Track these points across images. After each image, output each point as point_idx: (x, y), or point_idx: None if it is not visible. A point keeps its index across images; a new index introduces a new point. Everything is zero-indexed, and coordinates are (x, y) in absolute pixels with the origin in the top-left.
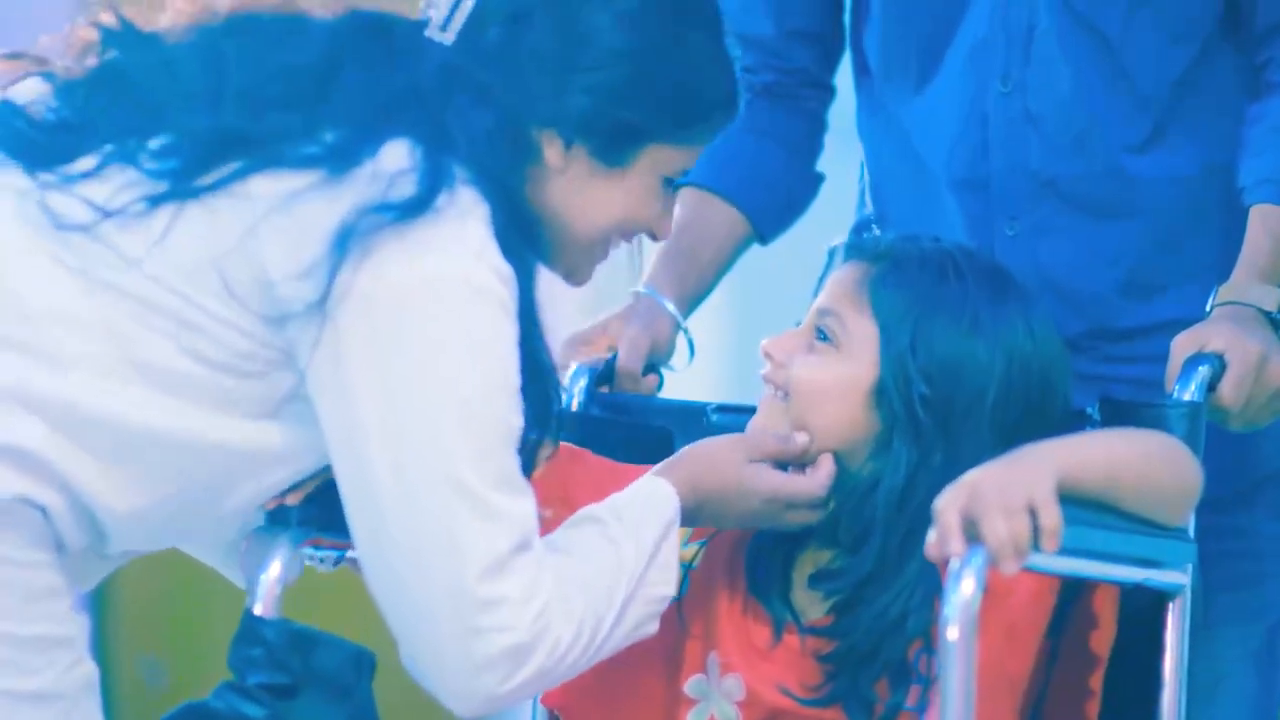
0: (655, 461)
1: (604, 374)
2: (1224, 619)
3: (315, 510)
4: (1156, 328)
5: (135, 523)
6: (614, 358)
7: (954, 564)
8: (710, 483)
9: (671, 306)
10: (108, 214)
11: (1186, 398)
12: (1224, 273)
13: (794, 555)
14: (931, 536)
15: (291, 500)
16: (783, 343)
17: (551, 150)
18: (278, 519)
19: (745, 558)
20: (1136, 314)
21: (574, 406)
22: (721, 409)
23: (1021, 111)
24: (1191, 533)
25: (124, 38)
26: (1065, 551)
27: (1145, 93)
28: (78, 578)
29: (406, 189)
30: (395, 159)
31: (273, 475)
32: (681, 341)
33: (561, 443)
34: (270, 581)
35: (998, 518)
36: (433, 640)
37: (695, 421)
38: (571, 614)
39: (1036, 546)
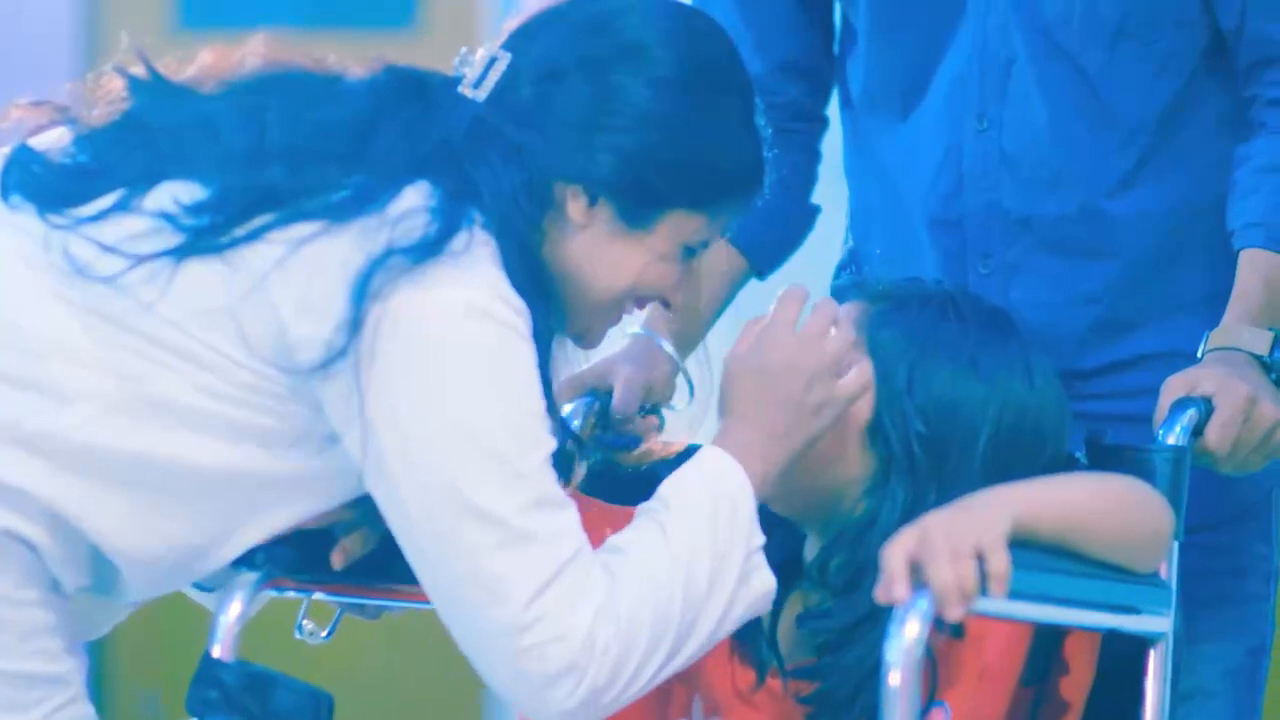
0: (641, 502)
1: (600, 416)
2: (1204, 636)
3: (282, 551)
4: (1126, 364)
5: (140, 561)
6: (610, 400)
7: (898, 609)
8: (752, 395)
9: (669, 347)
10: (140, 259)
11: (1171, 441)
12: (1197, 310)
13: (783, 598)
14: (881, 582)
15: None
16: None
17: (575, 206)
18: (242, 559)
19: None
20: (1107, 352)
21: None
22: None
23: (997, 150)
24: (1169, 574)
25: (152, 88)
26: (1022, 597)
27: (1127, 129)
28: (82, 620)
29: (419, 228)
30: (411, 199)
31: (280, 511)
32: (682, 381)
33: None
34: (229, 622)
35: (943, 562)
36: (494, 665)
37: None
38: (621, 618)
39: (985, 592)
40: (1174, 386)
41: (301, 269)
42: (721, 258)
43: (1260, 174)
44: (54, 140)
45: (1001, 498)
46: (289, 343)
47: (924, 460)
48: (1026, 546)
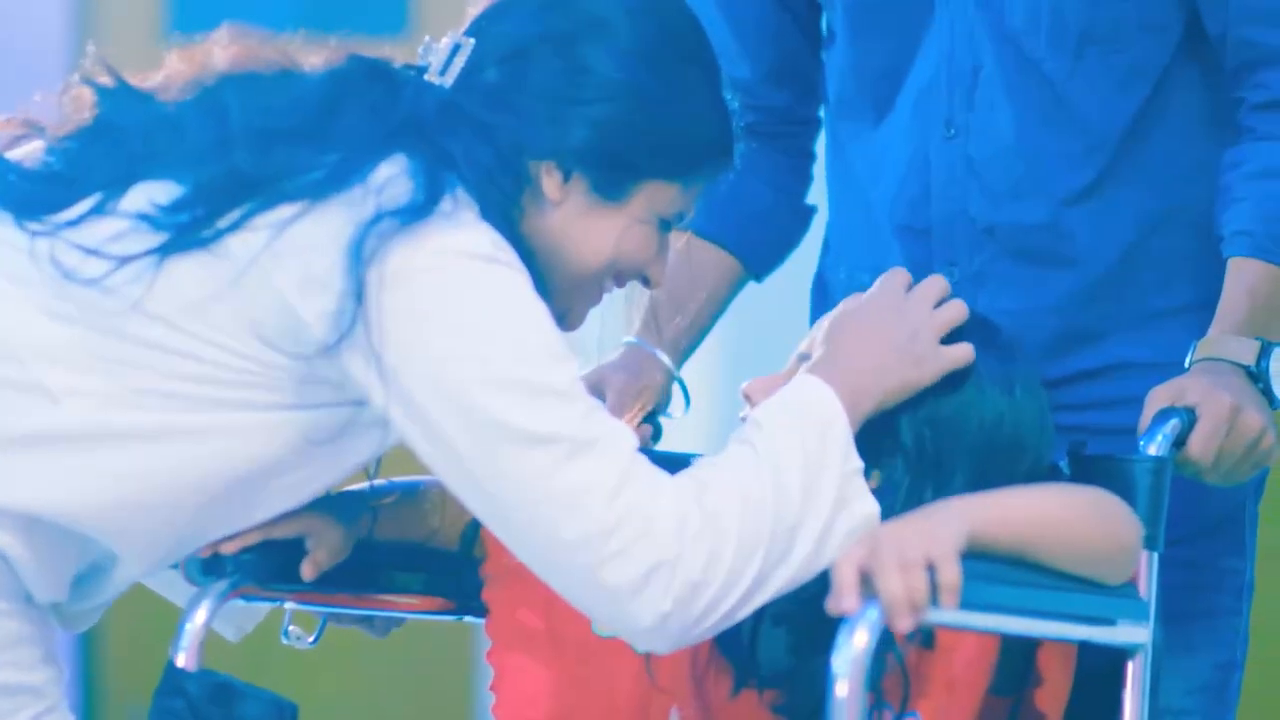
0: None
1: None
2: (1172, 649)
3: (250, 559)
4: (1093, 374)
5: (141, 544)
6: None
7: (847, 619)
8: (850, 332)
9: (663, 355)
10: (125, 259)
11: (1152, 452)
12: (1164, 320)
13: (764, 608)
14: (832, 592)
15: (226, 549)
16: (762, 385)
17: (550, 182)
18: (211, 568)
19: None
20: (1074, 361)
21: None
22: None
23: (963, 158)
24: (1149, 586)
25: (119, 95)
26: (976, 608)
27: (1094, 136)
28: (64, 622)
29: (404, 193)
30: (389, 170)
31: (275, 486)
32: (677, 390)
33: None
34: (194, 631)
35: (892, 573)
36: (581, 581)
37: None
38: (708, 507)
39: (936, 603)
40: (1159, 397)
41: (295, 248)
42: (714, 264)
43: (1248, 180)
44: (30, 152)
45: (956, 509)
46: (302, 323)
47: (929, 459)
48: (984, 558)
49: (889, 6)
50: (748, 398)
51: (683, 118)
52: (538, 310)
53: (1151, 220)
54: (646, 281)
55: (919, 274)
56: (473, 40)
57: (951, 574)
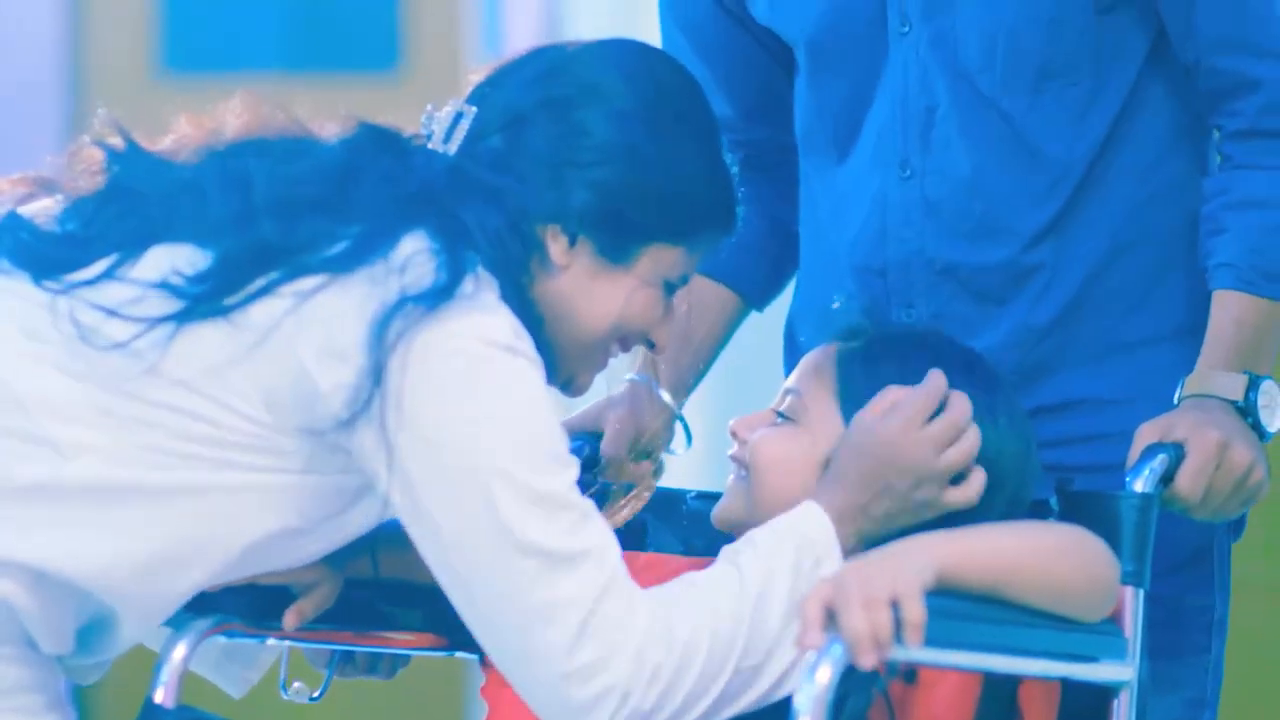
0: (626, 549)
1: (589, 461)
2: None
3: (231, 597)
4: (1049, 410)
5: (137, 600)
6: (599, 444)
7: (809, 655)
8: (860, 470)
9: (663, 392)
10: (152, 323)
11: (1139, 488)
12: (1120, 354)
13: None
14: (798, 629)
15: (210, 587)
16: (748, 421)
17: (556, 246)
18: (194, 605)
19: None
20: (1029, 397)
21: None
22: (701, 495)
23: (920, 199)
24: (1134, 622)
25: (130, 157)
26: (942, 645)
27: (1055, 171)
28: (70, 674)
29: (428, 274)
30: (411, 246)
31: (277, 551)
32: (680, 426)
33: None
34: (174, 666)
35: (856, 609)
36: (539, 688)
37: (674, 508)
38: (676, 641)
39: (901, 640)
40: (1147, 433)
41: (318, 318)
42: (712, 298)
43: (1229, 211)
44: (41, 209)
45: (924, 546)
46: (318, 393)
47: None
48: (954, 595)
49: (845, 46)
50: (735, 434)
51: (683, 179)
52: (547, 411)
53: (1112, 251)
54: (651, 345)
55: (877, 314)
56: (475, 108)
57: (915, 611)
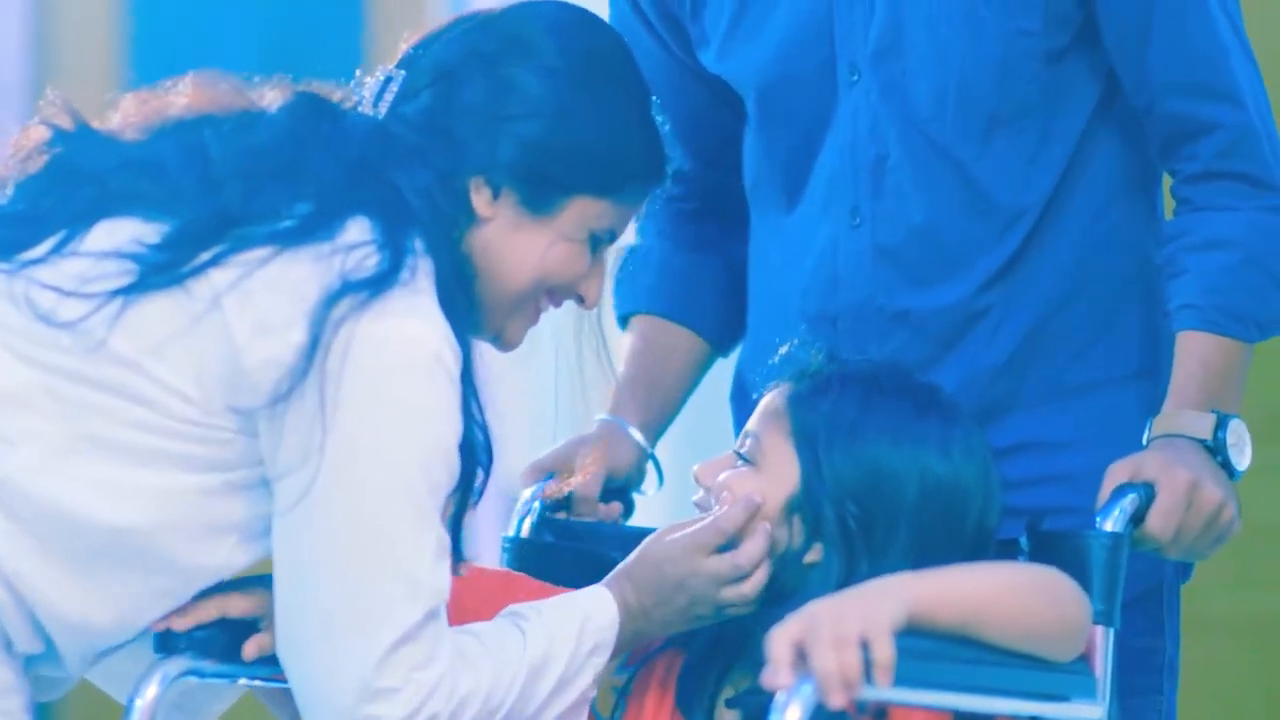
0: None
1: (560, 500)
2: None
3: (202, 636)
4: (1001, 453)
5: (75, 629)
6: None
7: (780, 695)
8: (651, 578)
9: (635, 432)
10: (105, 298)
11: (1109, 528)
12: (1072, 396)
13: (722, 680)
14: (767, 668)
15: (179, 625)
16: (710, 466)
17: (480, 198)
18: (164, 644)
19: (676, 681)
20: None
21: (525, 533)
22: None
23: (870, 246)
24: (1104, 661)
25: (77, 136)
26: (911, 685)
27: (1007, 215)
28: (35, 687)
29: (370, 262)
30: (355, 233)
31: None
32: (651, 466)
33: (501, 568)
34: (145, 706)
35: (826, 649)
36: (328, 697)
37: None
38: (455, 695)
39: (871, 680)
40: (1117, 472)
41: (257, 290)
42: (680, 343)
43: (1190, 252)
44: None
45: (894, 586)
46: (242, 370)
47: (856, 535)
48: (926, 636)
49: (794, 95)
50: (698, 479)
51: (609, 133)
52: (453, 425)
53: (1064, 294)
54: (581, 300)
55: (833, 352)
56: (403, 71)
57: (884, 651)
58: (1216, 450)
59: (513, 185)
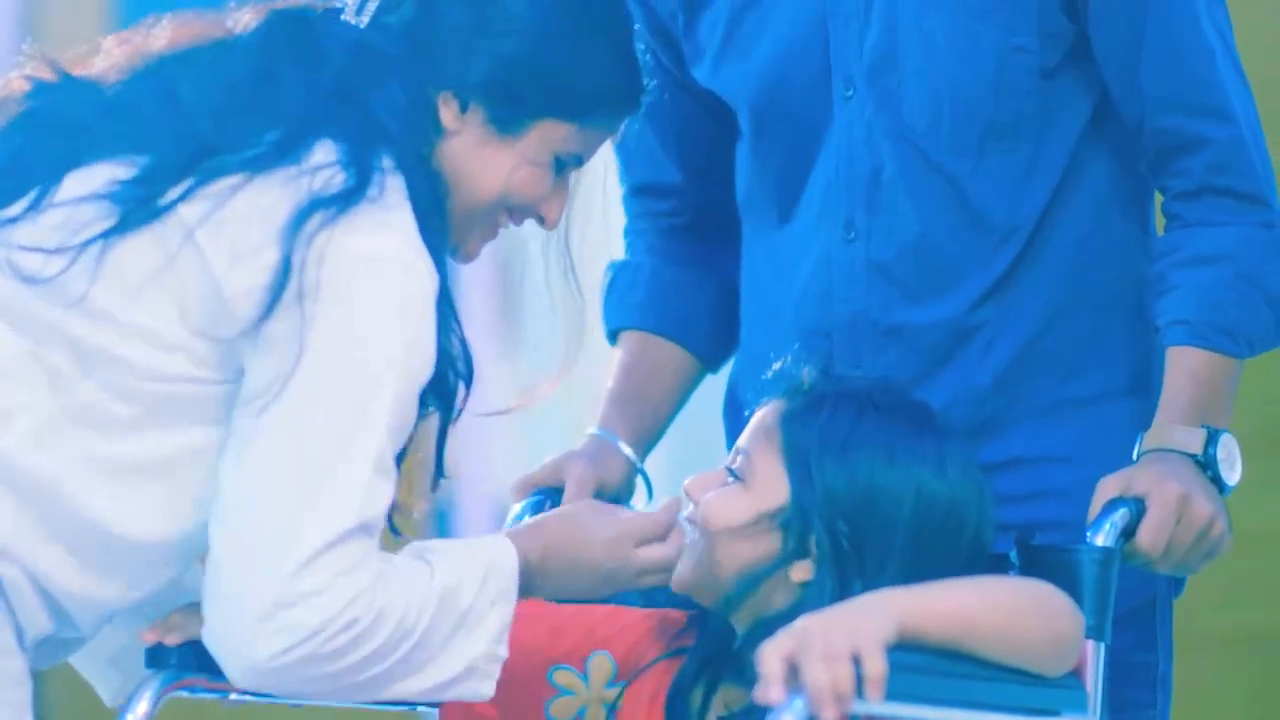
0: (581, 602)
1: None
2: None
3: (194, 650)
4: (994, 468)
5: (87, 603)
6: (560, 498)
7: (772, 710)
8: (569, 552)
9: (625, 446)
10: (82, 246)
11: (1100, 542)
12: (1065, 411)
13: (710, 696)
14: (759, 684)
15: (170, 640)
16: (700, 482)
17: (448, 111)
18: (155, 659)
19: (665, 697)
20: (979, 454)
21: None
22: None
23: (864, 260)
24: (1095, 676)
25: (55, 86)
26: (903, 699)
27: (1001, 231)
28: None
29: (338, 180)
30: (322, 155)
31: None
32: (640, 481)
33: None
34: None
35: (818, 664)
36: (250, 589)
37: None
38: (375, 604)
39: (862, 694)
40: (1106, 487)
41: (230, 220)
42: (669, 358)
43: (1179, 268)
44: None
45: (885, 600)
46: (223, 300)
47: (849, 554)
48: (917, 650)
49: (788, 109)
50: (688, 494)
51: (586, 59)
52: (427, 338)
53: (1056, 310)
54: (542, 221)
55: (827, 369)
56: None
57: (876, 665)
58: (1207, 465)
59: (481, 101)
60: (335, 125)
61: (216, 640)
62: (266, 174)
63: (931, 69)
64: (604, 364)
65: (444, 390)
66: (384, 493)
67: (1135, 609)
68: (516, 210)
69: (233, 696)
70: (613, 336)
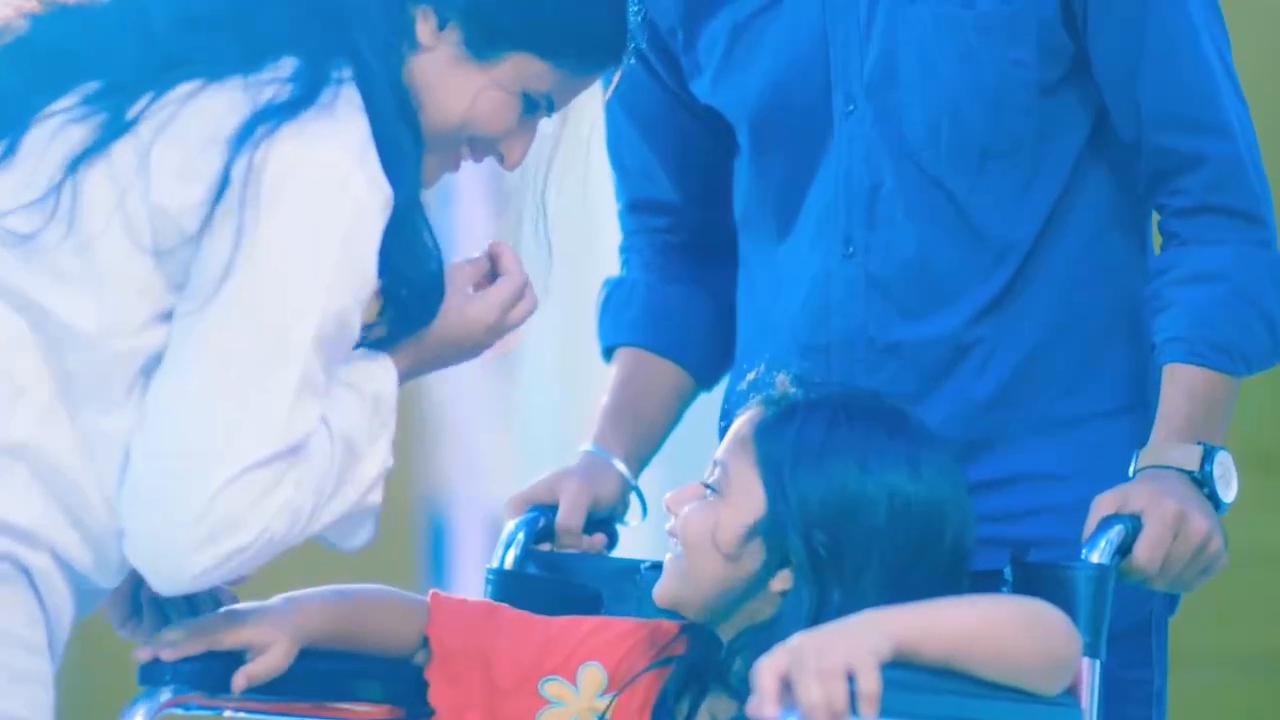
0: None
1: (544, 532)
2: None
3: (190, 668)
4: (991, 485)
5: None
6: (554, 515)
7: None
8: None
9: (619, 463)
10: (60, 183)
11: (1096, 559)
12: (1062, 429)
13: (697, 706)
14: (753, 699)
15: (167, 656)
16: (679, 495)
17: (425, 26)
18: (148, 676)
19: (652, 708)
20: (973, 471)
21: (509, 564)
22: (655, 566)
23: (863, 276)
24: (1089, 694)
25: (46, 16)
26: (897, 716)
27: (999, 248)
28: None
29: (284, 93)
30: (276, 69)
31: None
32: (635, 497)
33: (483, 600)
34: None
35: (812, 681)
36: (170, 518)
37: (629, 579)
38: (294, 514)
39: (856, 711)
40: (1103, 504)
41: (178, 134)
42: (664, 376)
43: (1176, 286)
44: None
45: (879, 618)
46: (169, 215)
47: (826, 563)
48: (911, 668)
49: (788, 124)
50: (668, 507)
51: (572, 3)
52: (367, 259)
53: (1053, 328)
54: (502, 160)
55: (803, 379)
56: None
57: (870, 682)
58: (1203, 482)
59: (459, 21)
60: (302, 35)
61: (142, 559)
62: (222, 82)
63: (931, 85)
64: (599, 381)
65: (397, 307)
66: (310, 413)
67: (1131, 627)
68: (478, 144)
69: (227, 714)
70: (607, 353)
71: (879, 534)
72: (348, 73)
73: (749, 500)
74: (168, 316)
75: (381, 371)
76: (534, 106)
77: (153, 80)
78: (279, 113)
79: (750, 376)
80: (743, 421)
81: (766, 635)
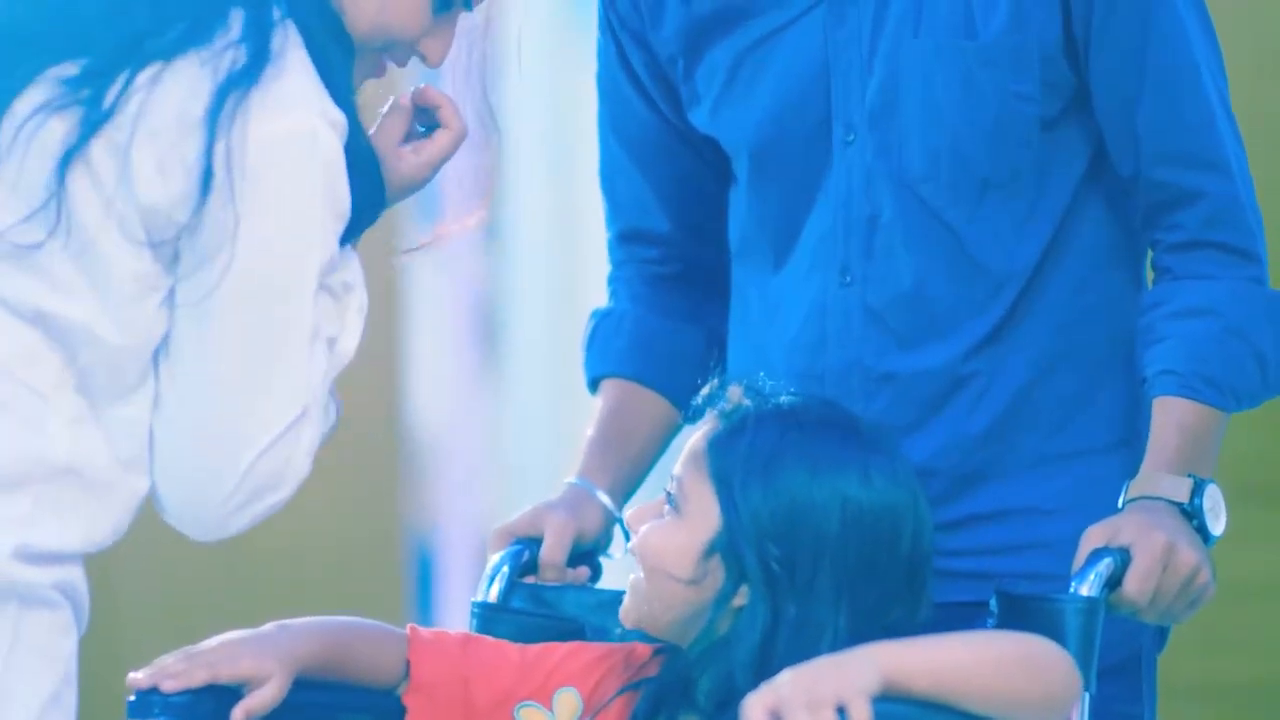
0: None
1: (528, 565)
2: None
3: (181, 702)
4: (981, 518)
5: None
6: (538, 548)
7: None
8: None
9: (603, 495)
10: (53, 180)
11: (1085, 592)
12: (1053, 464)
13: None
14: None
15: (167, 686)
16: (639, 513)
17: None
18: (139, 709)
19: None
20: (964, 504)
21: (493, 597)
22: None
23: (860, 306)
24: None
25: None
26: None
27: (996, 280)
28: None
29: (241, 59)
30: (227, 33)
31: None
32: (619, 530)
33: (460, 631)
34: None
35: (801, 712)
36: (206, 489)
37: (612, 611)
38: (314, 445)
39: None
40: (1092, 537)
41: (152, 122)
42: (650, 408)
43: (1169, 320)
44: None
45: (871, 653)
46: (157, 211)
47: (776, 576)
48: (902, 701)
49: (787, 154)
50: (629, 525)
51: None
52: (334, 213)
53: (1049, 362)
54: (425, 59)
55: (754, 390)
56: None
57: (861, 714)
58: (1193, 515)
59: None
60: None
61: (180, 523)
62: (178, 59)
63: (931, 116)
64: (587, 413)
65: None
66: (319, 357)
67: (1123, 661)
68: (396, 48)
69: None
70: (593, 385)
71: (830, 542)
72: (279, 11)
73: (704, 517)
74: (170, 296)
75: (344, 261)
76: (447, 4)
77: (125, 58)
78: (241, 80)
79: (705, 391)
80: (698, 436)
81: (724, 652)
